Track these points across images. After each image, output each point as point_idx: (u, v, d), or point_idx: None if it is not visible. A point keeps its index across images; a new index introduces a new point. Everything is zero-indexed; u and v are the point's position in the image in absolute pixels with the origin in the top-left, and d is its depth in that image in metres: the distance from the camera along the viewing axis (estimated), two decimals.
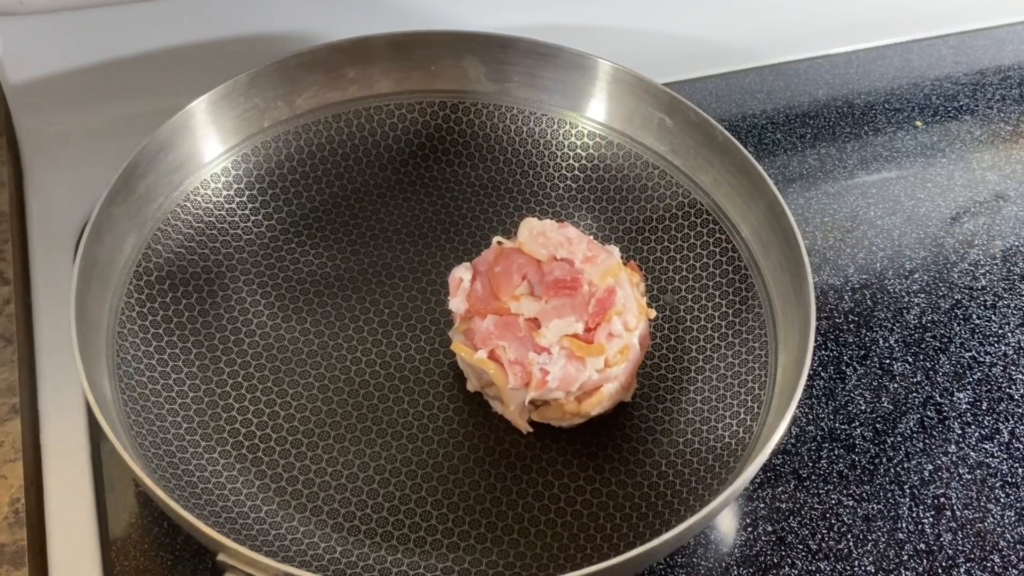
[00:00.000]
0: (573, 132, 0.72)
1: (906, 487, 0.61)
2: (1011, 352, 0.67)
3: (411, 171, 0.72)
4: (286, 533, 0.55)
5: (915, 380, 0.66)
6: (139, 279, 0.62)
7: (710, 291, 0.65)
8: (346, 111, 0.71)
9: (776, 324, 0.61)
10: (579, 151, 0.72)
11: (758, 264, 0.64)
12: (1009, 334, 0.68)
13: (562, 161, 0.72)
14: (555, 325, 0.57)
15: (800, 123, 0.82)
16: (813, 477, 0.61)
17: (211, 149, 0.67)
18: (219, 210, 0.67)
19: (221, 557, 0.47)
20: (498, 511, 0.56)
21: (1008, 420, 0.64)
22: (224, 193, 0.68)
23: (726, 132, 0.65)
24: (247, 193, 0.68)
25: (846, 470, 0.61)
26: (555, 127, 0.72)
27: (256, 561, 0.46)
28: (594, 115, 0.71)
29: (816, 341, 0.67)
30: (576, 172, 0.72)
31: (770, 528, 0.59)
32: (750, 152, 0.64)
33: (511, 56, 0.71)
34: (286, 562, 0.48)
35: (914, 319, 0.69)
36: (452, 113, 0.73)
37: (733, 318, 0.63)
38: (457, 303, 0.59)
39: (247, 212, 0.68)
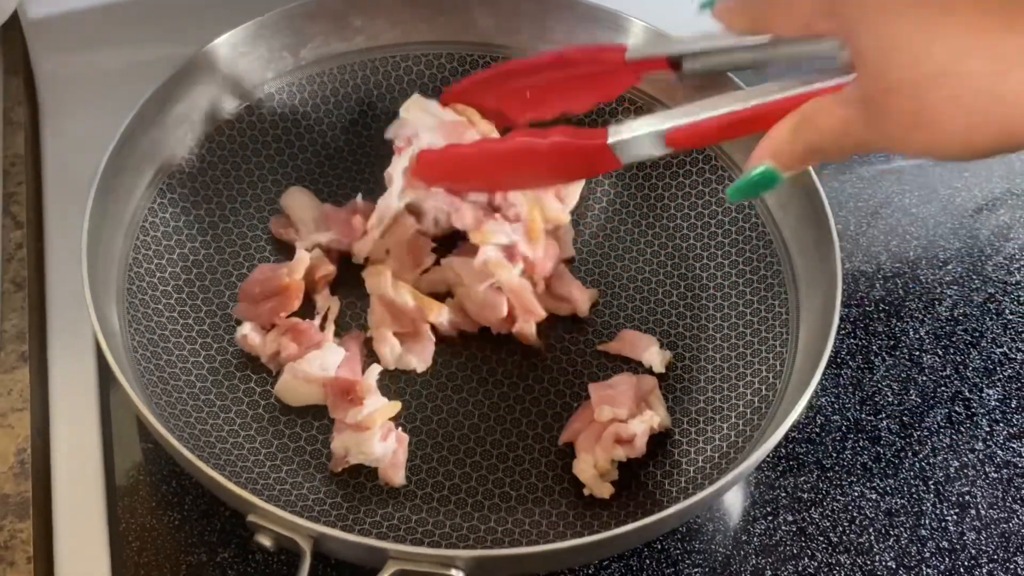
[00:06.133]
0: None
1: (931, 483, 0.59)
2: None
3: None
4: (308, 493, 0.54)
5: (944, 374, 0.64)
6: (154, 215, 0.61)
7: (726, 248, 0.64)
8: (351, 63, 0.69)
9: (797, 284, 0.60)
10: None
11: (776, 221, 0.62)
12: None
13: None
14: None
15: None
16: (836, 468, 0.60)
17: (217, 99, 0.65)
18: (224, 163, 0.65)
19: (252, 518, 0.46)
20: (512, 479, 0.55)
21: None
22: (238, 139, 0.66)
23: (739, 82, 0.63)
24: (251, 147, 0.66)
25: (870, 463, 0.60)
26: None
27: (289, 521, 0.45)
28: None
29: (845, 328, 0.65)
30: (586, 127, 0.69)
31: (791, 518, 0.57)
32: None
33: (523, 8, 0.69)
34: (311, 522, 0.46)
35: (946, 311, 0.67)
36: (460, 66, 0.70)
37: (751, 275, 0.62)
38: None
39: (252, 167, 0.66)
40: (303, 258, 0.60)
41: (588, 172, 0.60)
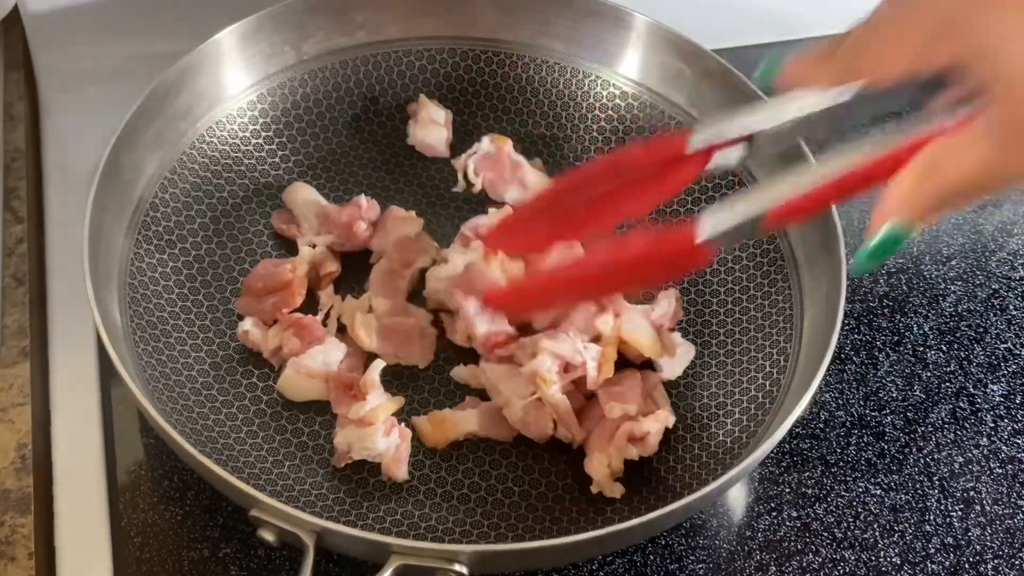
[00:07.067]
0: (586, 82, 0.69)
1: (935, 479, 0.59)
2: None
3: None
4: (311, 488, 0.54)
5: (948, 370, 0.64)
6: (155, 209, 0.61)
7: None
8: (353, 57, 0.69)
9: (801, 279, 0.60)
10: (591, 101, 0.69)
11: None
12: None
13: (574, 112, 0.70)
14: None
15: None
16: (841, 464, 0.59)
17: (218, 94, 0.65)
18: (226, 158, 0.65)
19: (254, 513, 0.45)
20: (515, 474, 0.55)
21: None
22: (239, 135, 0.66)
23: (744, 77, 0.64)
24: (253, 142, 0.66)
25: (875, 458, 0.60)
26: (567, 76, 0.70)
27: (292, 516, 0.45)
28: (612, 65, 0.69)
29: (849, 324, 0.65)
30: (588, 123, 0.69)
31: (795, 514, 0.57)
32: None
33: (525, 3, 0.69)
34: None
35: (950, 307, 0.67)
36: (462, 61, 0.70)
37: (755, 270, 0.62)
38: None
39: (253, 161, 0.66)
40: (307, 254, 0.60)
41: (677, 273, 0.56)
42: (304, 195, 0.64)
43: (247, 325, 0.58)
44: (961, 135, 0.36)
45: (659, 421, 0.54)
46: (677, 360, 0.59)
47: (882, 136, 0.40)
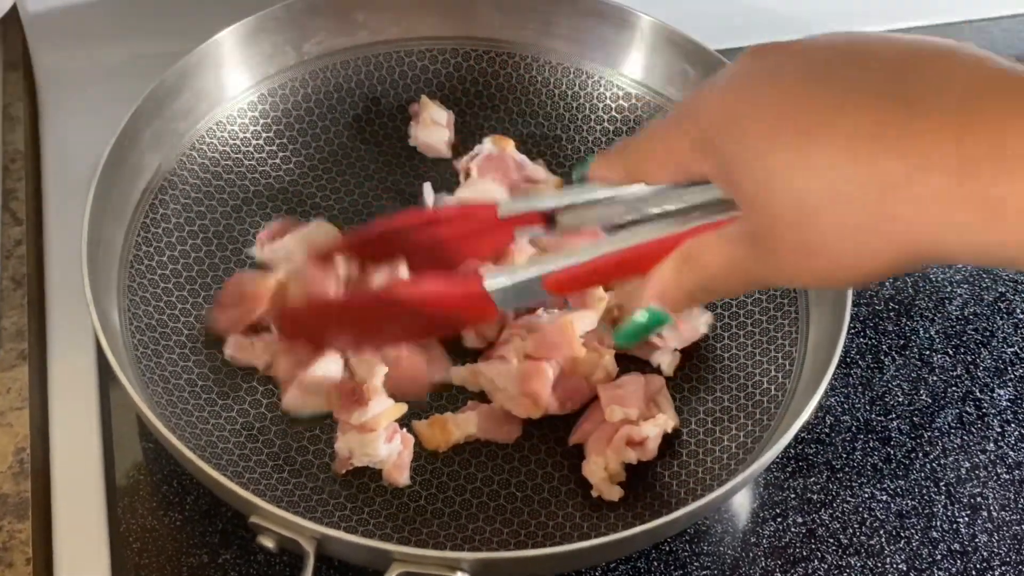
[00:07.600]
0: (590, 82, 0.69)
1: (942, 484, 0.59)
2: None
3: None
4: (311, 494, 0.53)
5: (955, 374, 0.63)
6: (155, 211, 0.60)
7: None
8: (355, 58, 0.69)
9: None
10: (595, 102, 0.69)
11: None
12: None
13: (577, 112, 0.69)
14: None
15: None
16: (846, 469, 0.59)
17: (219, 94, 0.64)
18: (227, 159, 0.65)
19: (254, 519, 0.45)
20: (517, 480, 0.55)
21: None
22: (240, 136, 0.65)
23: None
24: (253, 143, 0.66)
25: (881, 464, 0.59)
26: (570, 76, 0.69)
27: (292, 523, 0.44)
28: (615, 65, 0.68)
29: (854, 327, 0.65)
30: (591, 124, 0.69)
31: (800, 520, 0.57)
32: None
33: (528, 3, 0.68)
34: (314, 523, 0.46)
35: (956, 310, 0.66)
36: (464, 61, 0.70)
37: None
38: None
39: (254, 163, 0.65)
40: (279, 273, 0.58)
41: (463, 323, 0.55)
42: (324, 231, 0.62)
43: (229, 349, 0.57)
44: (719, 233, 0.39)
45: (658, 425, 0.54)
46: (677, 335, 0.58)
47: (659, 226, 0.43)
